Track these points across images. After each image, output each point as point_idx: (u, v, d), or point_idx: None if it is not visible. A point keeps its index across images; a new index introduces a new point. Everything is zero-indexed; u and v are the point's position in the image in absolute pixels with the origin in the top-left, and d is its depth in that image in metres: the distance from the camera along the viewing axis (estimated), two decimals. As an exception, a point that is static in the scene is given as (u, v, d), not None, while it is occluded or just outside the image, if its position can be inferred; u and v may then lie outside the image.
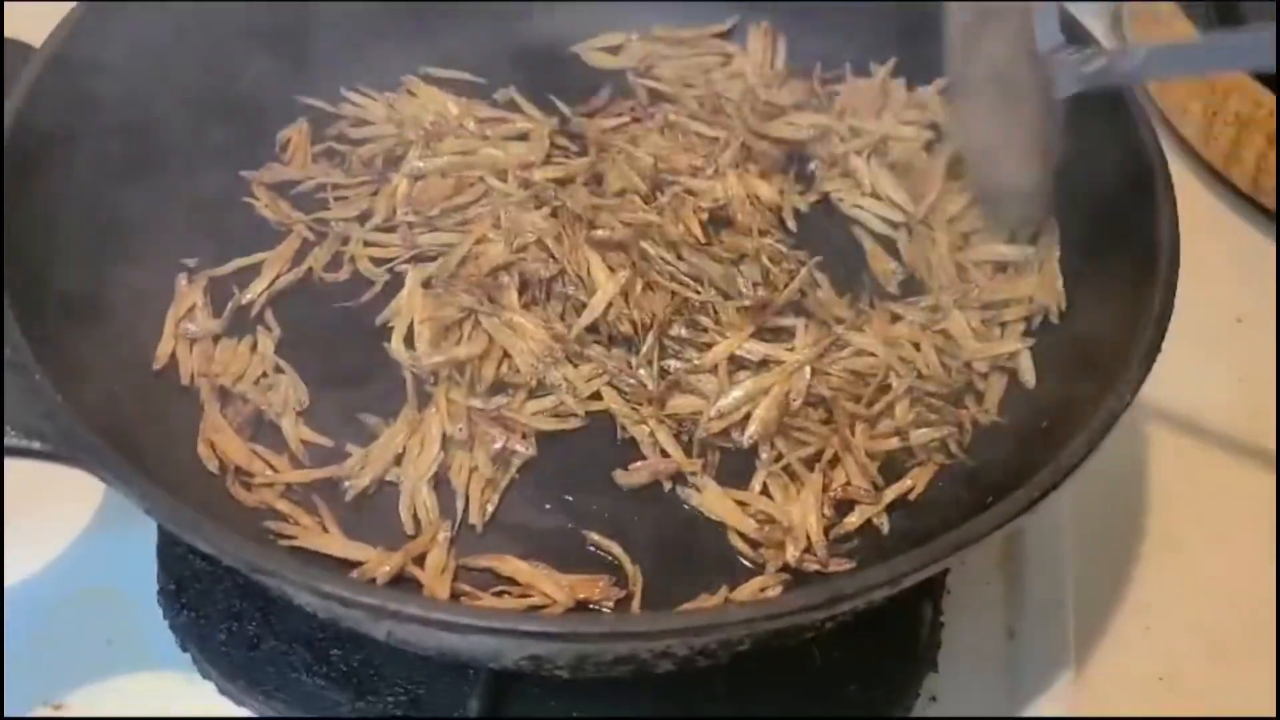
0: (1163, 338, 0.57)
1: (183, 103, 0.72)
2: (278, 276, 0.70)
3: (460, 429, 0.62)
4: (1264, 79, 0.84)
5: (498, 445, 0.62)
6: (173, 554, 0.65)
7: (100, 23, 0.68)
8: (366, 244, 0.72)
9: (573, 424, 0.64)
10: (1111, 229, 0.66)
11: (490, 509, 0.61)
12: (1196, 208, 0.89)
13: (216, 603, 0.64)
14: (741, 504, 0.62)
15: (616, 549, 0.59)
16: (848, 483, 0.62)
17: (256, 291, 0.70)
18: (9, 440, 0.51)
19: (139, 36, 0.69)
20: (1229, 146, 0.87)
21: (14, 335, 0.53)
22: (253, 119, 0.76)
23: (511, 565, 0.59)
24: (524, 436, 0.63)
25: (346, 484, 0.62)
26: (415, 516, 0.61)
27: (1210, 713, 0.66)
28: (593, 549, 0.60)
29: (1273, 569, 0.71)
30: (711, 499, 0.62)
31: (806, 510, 0.60)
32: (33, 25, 0.70)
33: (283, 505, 0.60)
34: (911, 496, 0.62)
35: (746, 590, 0.58)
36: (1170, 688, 0.67)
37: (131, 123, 0.69)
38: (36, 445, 0.51)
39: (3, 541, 0.66)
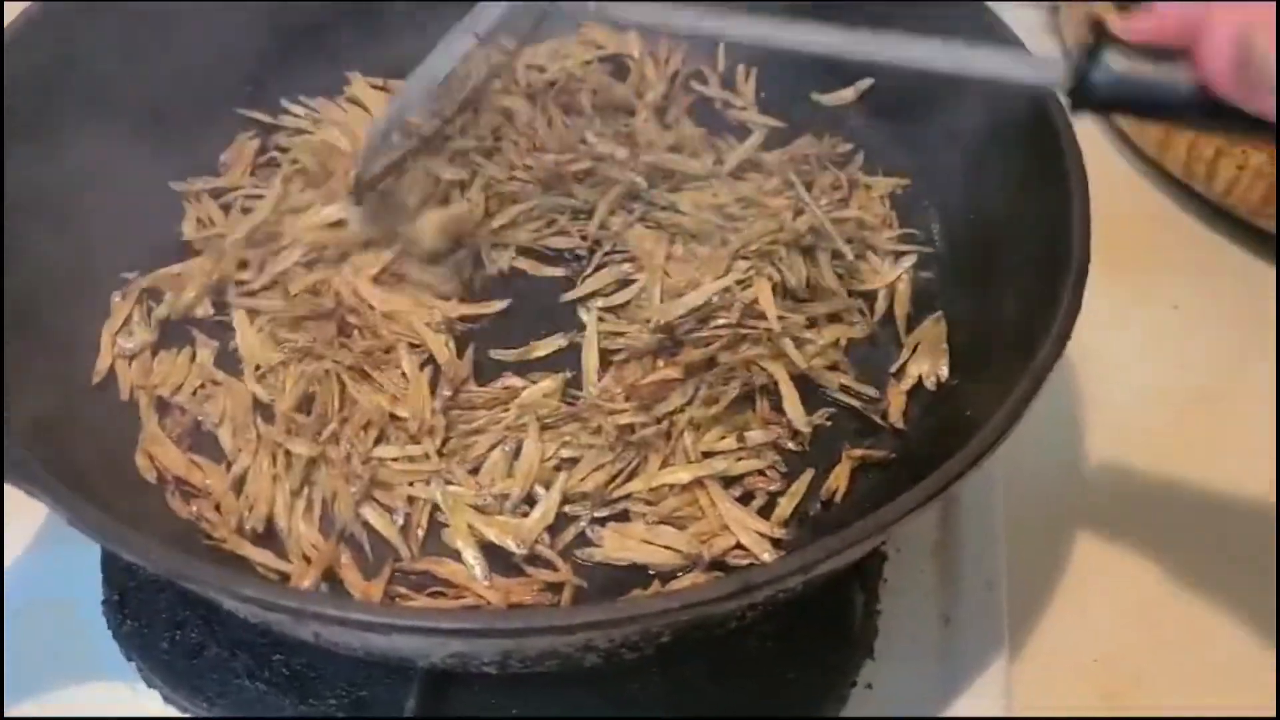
0: (1078, 305, 0.57)
1: (137, 108, 0.73)
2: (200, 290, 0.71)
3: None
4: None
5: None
6: (116, 565, 0.66)
7: (58, 18, 0.69)
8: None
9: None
10: (1030, 223, 0.66)
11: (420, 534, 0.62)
12: (1131, 196, 0.91)
13: (160, 612, 0.65)
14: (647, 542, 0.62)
15: (551, 553, 0.61)
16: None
17: (174, 305, 0.70)
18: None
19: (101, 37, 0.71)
20: (1162, 134, 0.88)
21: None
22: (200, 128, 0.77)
23: (448, 568, 0.60)
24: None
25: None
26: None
27: (1143, 695, 0.67)
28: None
29: (1202, 553, 0.72)
30: (613, 546, 0.62)
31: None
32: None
33: (213, 515, 0.61)
34: (836, 497, 0.64)
35: (676, 585, 0.59)
36: (1104, 669, 0.68)
37: (81, 127, 0.69)
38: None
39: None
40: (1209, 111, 0.46)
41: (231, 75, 0.79)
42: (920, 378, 0.68)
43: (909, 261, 0.74)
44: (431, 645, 0.48)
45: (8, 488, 0.53)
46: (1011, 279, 0.66)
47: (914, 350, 0.70)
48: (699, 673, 0.62)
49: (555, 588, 0.59)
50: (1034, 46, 0.70)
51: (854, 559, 0.54)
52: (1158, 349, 0.82)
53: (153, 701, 0.64)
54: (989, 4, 0.73)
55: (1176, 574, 0.71)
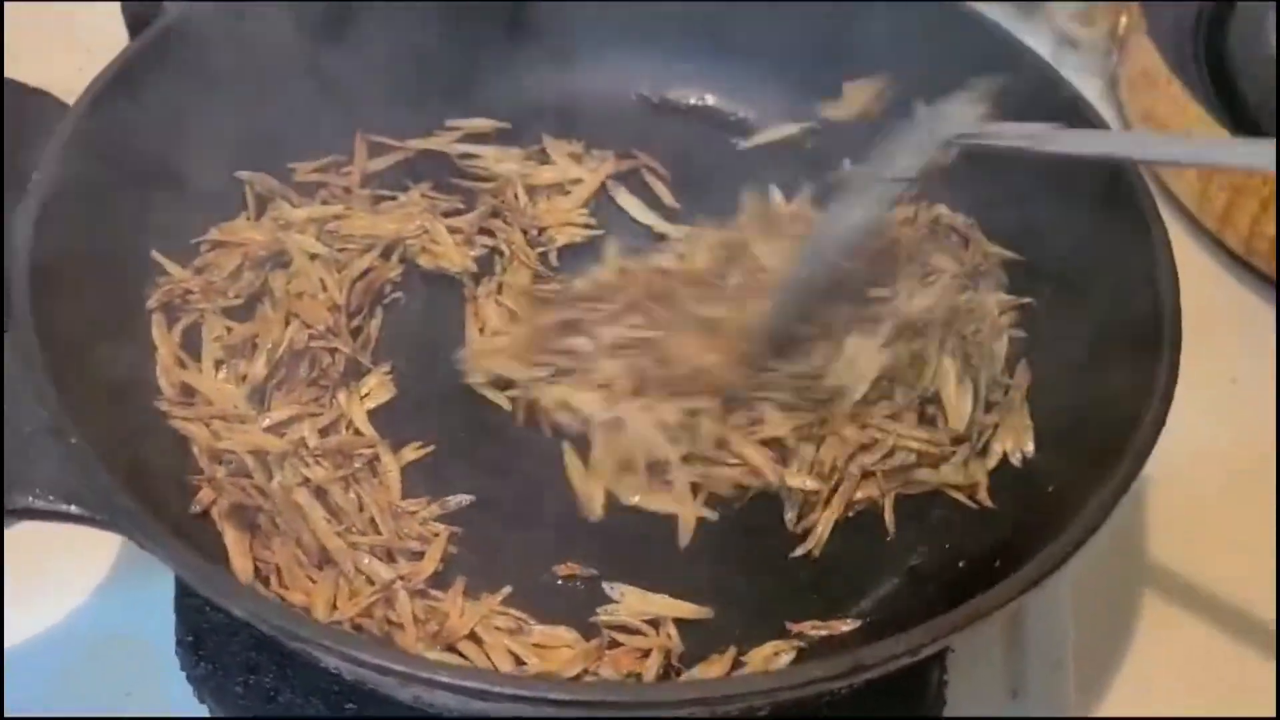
0: (1168, 408, 0.58)
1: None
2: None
3: None
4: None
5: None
6: (190, 606, 0.66)
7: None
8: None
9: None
10: (1112, 297, 0.67)
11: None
12: (1192, 270, 0.91)
13: (234, 655, 0.64)
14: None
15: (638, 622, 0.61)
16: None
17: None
18: (42, 504, 0.52)
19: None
20: (1223, 210, 0.89)
21: (50, 400, 0.54)
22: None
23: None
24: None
25: None
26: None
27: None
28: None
29: (1269, 627, 0.72)
30: (634, 603, 0.62)
31: None
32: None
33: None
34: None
35: (758, 655, 0.60)
36: (1170, 743, 0.68)
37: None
38: (73, 509, 0.51)
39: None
40: None
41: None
42: (1005, 454, 0.68)
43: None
44: (540, 712, 0.48)
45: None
46: (1096, 358, 0.67)
47: (996, 426, 0.70)
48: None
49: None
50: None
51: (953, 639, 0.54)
52: (1216, 421, 0.83)
53: (224, 745, 0.64)
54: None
55: (1241, 648, 0.72)
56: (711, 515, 0.65)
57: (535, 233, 0.78)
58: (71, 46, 0.85)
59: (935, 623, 0.48)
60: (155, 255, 0.71)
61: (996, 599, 0.49)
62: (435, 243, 0.76)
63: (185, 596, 0.66)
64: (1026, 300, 0.74)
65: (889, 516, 0.67)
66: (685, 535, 0.65)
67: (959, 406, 0.69)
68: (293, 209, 0.76)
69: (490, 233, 0.78)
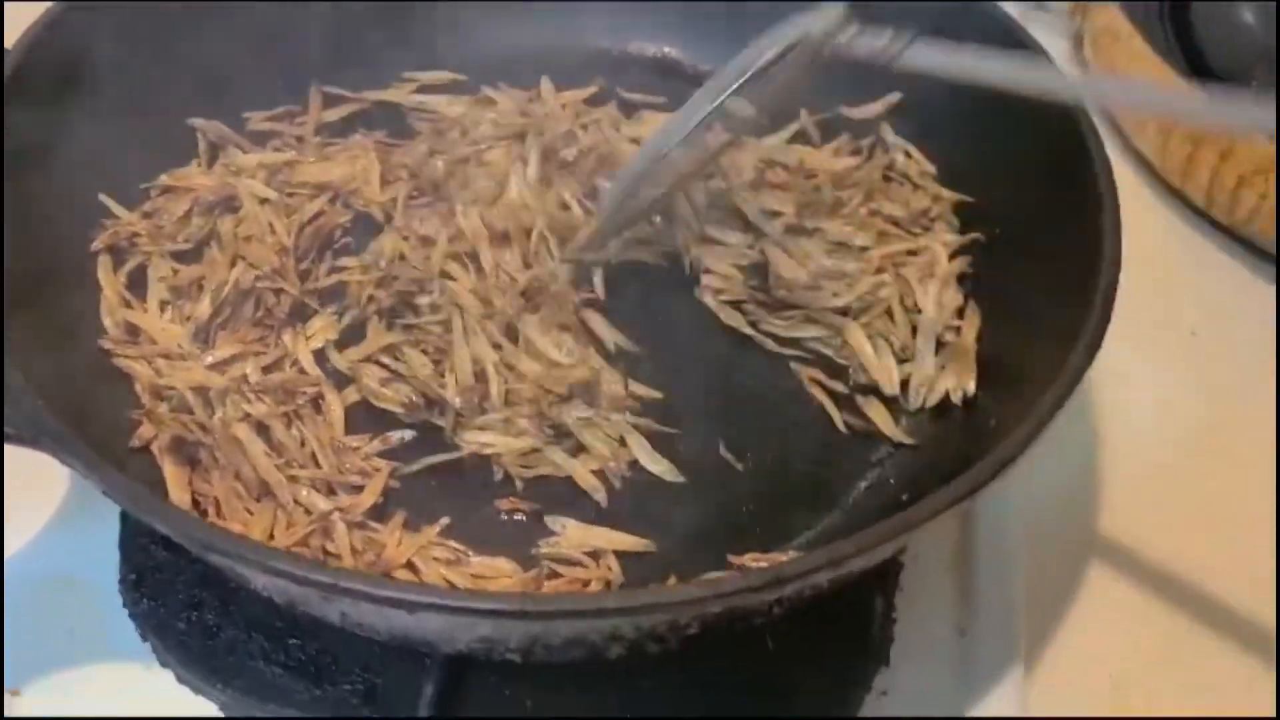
0: (1104, 327, 0.58)
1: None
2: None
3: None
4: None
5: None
6: (134, 545, 0.66)
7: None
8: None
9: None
10: (1057, 236, 0.67)
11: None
12: (1153, 223, 0.91)
13: (177, 592, 0.64)
14: None
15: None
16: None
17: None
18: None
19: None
20: (1184, 163, 0.89)
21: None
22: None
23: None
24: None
25: None
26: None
27: (1156, 711, 0.67)
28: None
29: (1219, 574, 0.72)
30: (576, 537, 0.62)
31: None
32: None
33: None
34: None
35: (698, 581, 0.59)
36: (1118, 686, 0.68)
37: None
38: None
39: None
40: None
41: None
42: (948, 392, 0.68)
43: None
44: (461, 627, 0.48)
45: (26, 463, 0.53)
46: (1037, 296, 0.67)
47: (942, 365, 0.70)
48: (714, 674, 0.62)
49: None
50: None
51: (884, 556, 0.54)
52: (1175, 373, 0.83)
53: (167, 682, 0.63)
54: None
55: (1191, 591, 0.72)
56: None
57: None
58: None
59: (857, 536, 0.48)
60: (102, 198, 0.71)
61: (917, 516, 0.49)
62: (365, 183, 0.76)
63: (129, 536, 0.66)
64: (974, 236, 0.74)
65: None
66: (596, 494, 0.65)
67: (881, 367, 0.70)
68: (244, 155, 0.76)
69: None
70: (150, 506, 0.48)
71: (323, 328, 0.70)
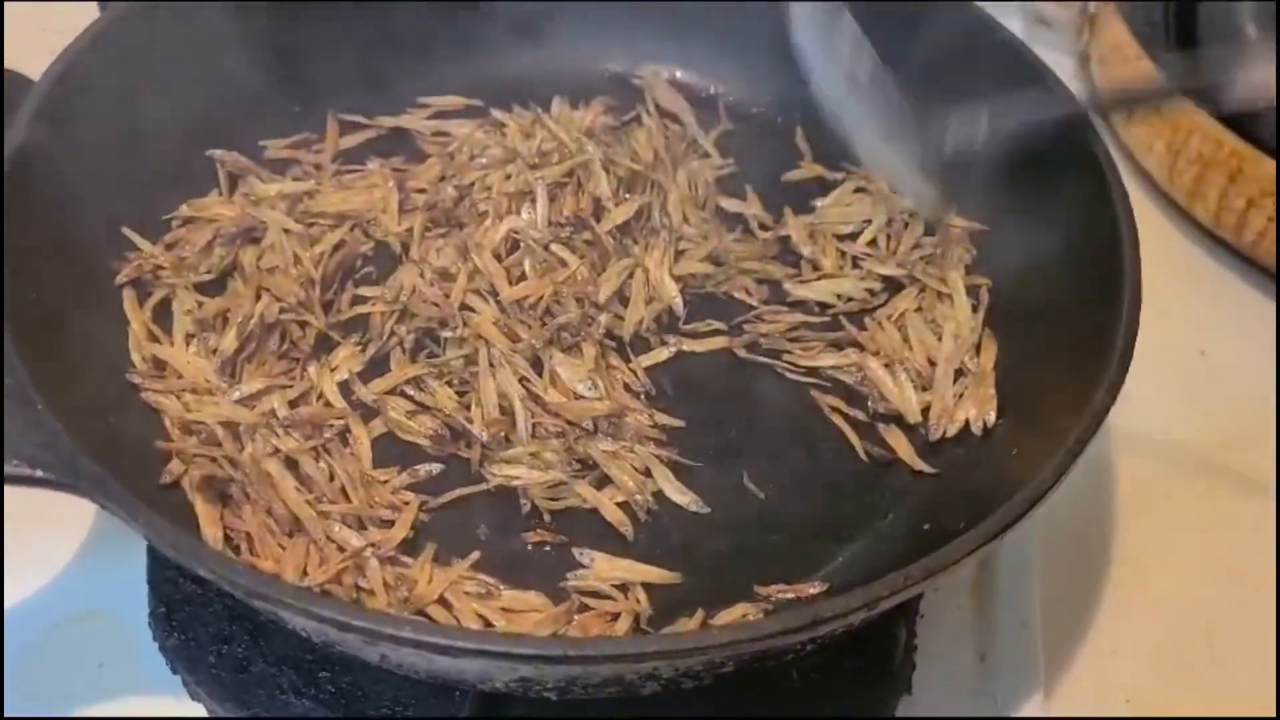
0: (1127, 368, 0.59)
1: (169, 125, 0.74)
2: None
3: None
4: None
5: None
6: (163, 578, 0.66)
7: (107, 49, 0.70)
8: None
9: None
10: (1075, 266, 0.68)
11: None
12: (1161, 243, 0.92)
13: (206, 626, 0.65)
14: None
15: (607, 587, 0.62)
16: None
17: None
18: (9, 469, 0.52)
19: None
20: (1192, 184, 0.90)
21: (14, 364, 0.54)
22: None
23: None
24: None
25: None
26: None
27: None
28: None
29: (1232, 596, 0.73)
30: (603, 569, 0.63)
31: None
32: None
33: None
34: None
35: (727, 615, 0.60)
36: (1136, 709, 0.69)
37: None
38: (39, 474, 0.52)
39: (-1, 565, 0.67)
40: None
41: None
42: (968, 421, 0.69)
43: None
44: (502, 670, 0.49)
45: (54, 498, 0.53)
46: (1058, 328, 0.68)
47: (961, 394, 0.70)
48: (741, 703, 0.63)
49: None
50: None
51: (916, 593, 0.55)
52: (1185, 394, 0.83)
53: (197, 715, 0.64)
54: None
55: (1206, 617, 0.73)
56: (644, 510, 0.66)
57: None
58: (45, 27, 0.85)
59: (891, 577, 0.49)
60: (126, 231, 0.71)
61: (949, 556, 0.50)
62: (383, 211, 0.76)
63: (157, 569, 0.67)
64: (983, 282, 0.75)
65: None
66: (624, 528, 0.65)
67: (903, 397, 0.71)
68: (264, 185, 0.77)
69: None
70: (193, 552, 0.49)
71: (346, 359, 0.70)
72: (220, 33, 0.76)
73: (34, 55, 0.74)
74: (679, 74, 0.88)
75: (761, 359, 0.73)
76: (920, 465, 0.68)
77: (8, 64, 0.81)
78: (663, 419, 0.69)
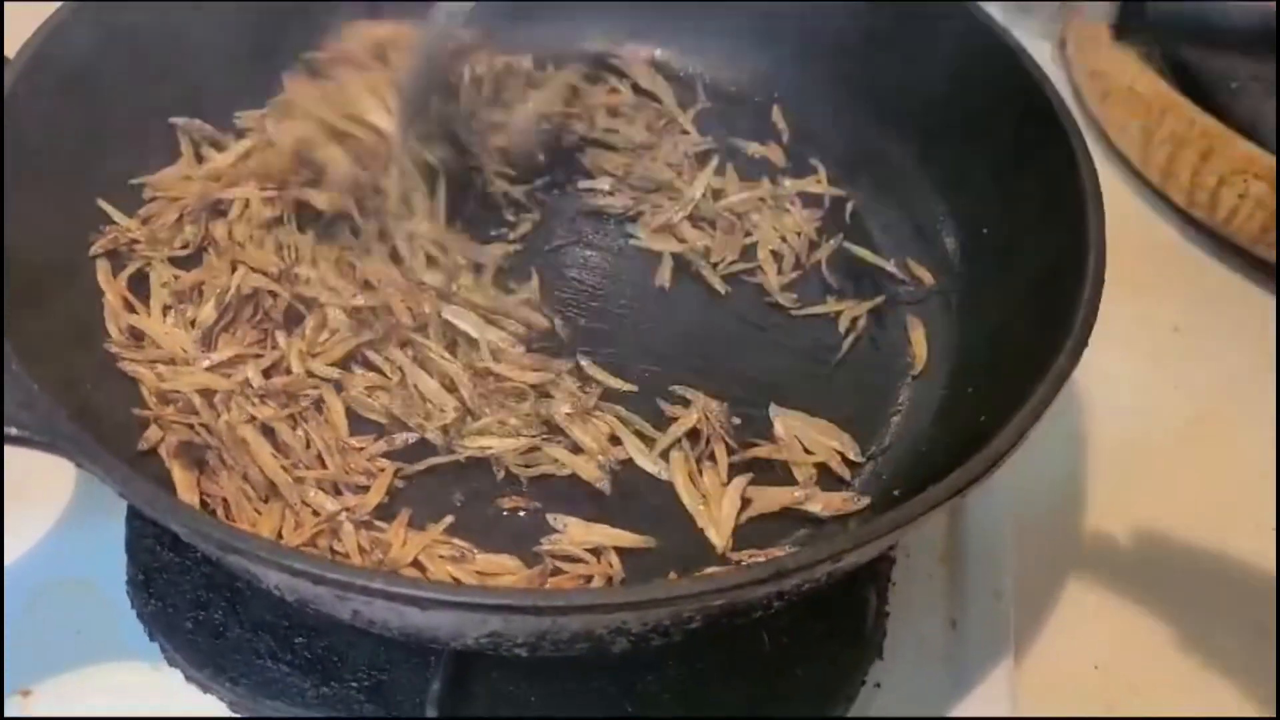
0: (1089, 331, 0.60)
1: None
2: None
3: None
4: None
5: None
6: (141, 546, 0.67)
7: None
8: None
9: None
10: (1043, 229, 0.69)
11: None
12: (1135, 222, 0.93)
13: (184, 593, 0.66)
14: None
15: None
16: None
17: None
18: (-13, 428, 0.53)
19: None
20: (1165, 163, 0.91)
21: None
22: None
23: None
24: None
25: None
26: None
27: (1142, 702, 0.69)
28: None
29: (1201, 566, 0.74)
30: (577, 534, 0.64)
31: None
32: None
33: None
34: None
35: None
36: (1104, 676, 0.70)
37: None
38: (14, 432, 0.52)
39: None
40: None
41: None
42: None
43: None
44: (471, 623, 0.49)
45: (34, 466, 0.53)
46: (1025, 293, 0.68)
47: None
48: (713, 668, 0.64)
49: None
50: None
51: (881, 549, 0.56)
52: (1158, 370, 0.84)
53: (174, 681, 0.64)
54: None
55: (1177, 584, 0.73)
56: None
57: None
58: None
59: (855, 531, 0.49)
60: (101, 203, 0.72)
61: (913, 510, 0.51)
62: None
63: (136, 538, 0.67)
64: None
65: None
66: (601, 484, 0.66)
67: None
68: (220, 154, 0.77)
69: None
70: (168, 509, 0.49)
71: (313, 329, 0.70)
72: (196, 12, 0.76)
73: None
74: (658, 53, 0.89)
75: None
76: None
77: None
78: (602, 376, 0.70)
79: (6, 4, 0.88)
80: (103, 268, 0.70)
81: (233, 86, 0.80)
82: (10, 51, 0.69)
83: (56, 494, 0.71)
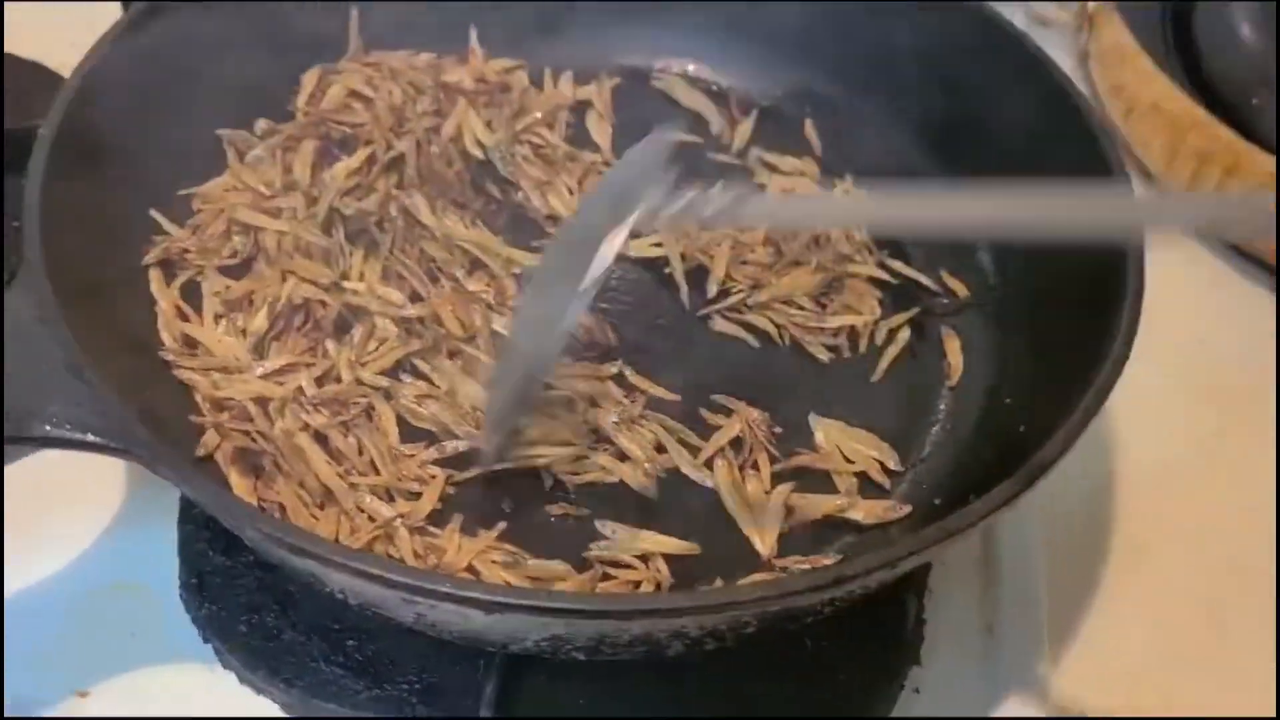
0: (1131, 343, 0.61)
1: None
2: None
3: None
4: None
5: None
6: (194, 550, 0.68)
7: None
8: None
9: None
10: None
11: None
12: (1159, 237, 0.95)
13: (237, 596, 0.67)
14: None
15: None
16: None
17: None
18: (60, 433, 0.54)
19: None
20: (1189, 179, 0.92)
21: (62, 333, 0.56)
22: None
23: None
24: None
25: None
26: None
27: (1174, 705, 0.70)
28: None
29: (1231, 578, 0.75)
30: (626, 541, 0.65)
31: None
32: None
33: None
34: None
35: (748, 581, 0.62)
36: (1138, 681, 0.71)
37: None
38: (90, 438, 0.54)
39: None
40: None
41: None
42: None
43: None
44: (536, 627, 0.51)
45: (88, 468, 0.54)
46: (1061, 305, 0.70)
47: None
48: (756, 670, 0.65)
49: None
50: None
51: (931, 558, 0.57)
52: (1184, 380, 0.86)
53: (229, 683, 0.66)
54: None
55: (1205, 593, 0.75)
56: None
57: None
58: (68, 22, 0.87)
59: (911, 539, 0.51)
60: (153, 214, 0.73)
61: (964, 520, 0.52)
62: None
63: (189, 542, 0.68)
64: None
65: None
66: (648, 491, 0.67)
67: None
68: (251, 172, 0.78)
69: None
70: (245, 515, 0.51)
71: (363, 338, 0.72)
72: (246, 20, 0.78)
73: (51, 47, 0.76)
74: (691, 68, 0.91)
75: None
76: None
77: (29, 55, 0.84)
78: (648, 386, 0.71)
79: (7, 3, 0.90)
80: (156, 277, 0.71)
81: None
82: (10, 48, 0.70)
83: (109, 497, 0.72)
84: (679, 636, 0.53)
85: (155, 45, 0.73)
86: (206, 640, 0.67)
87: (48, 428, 0.54)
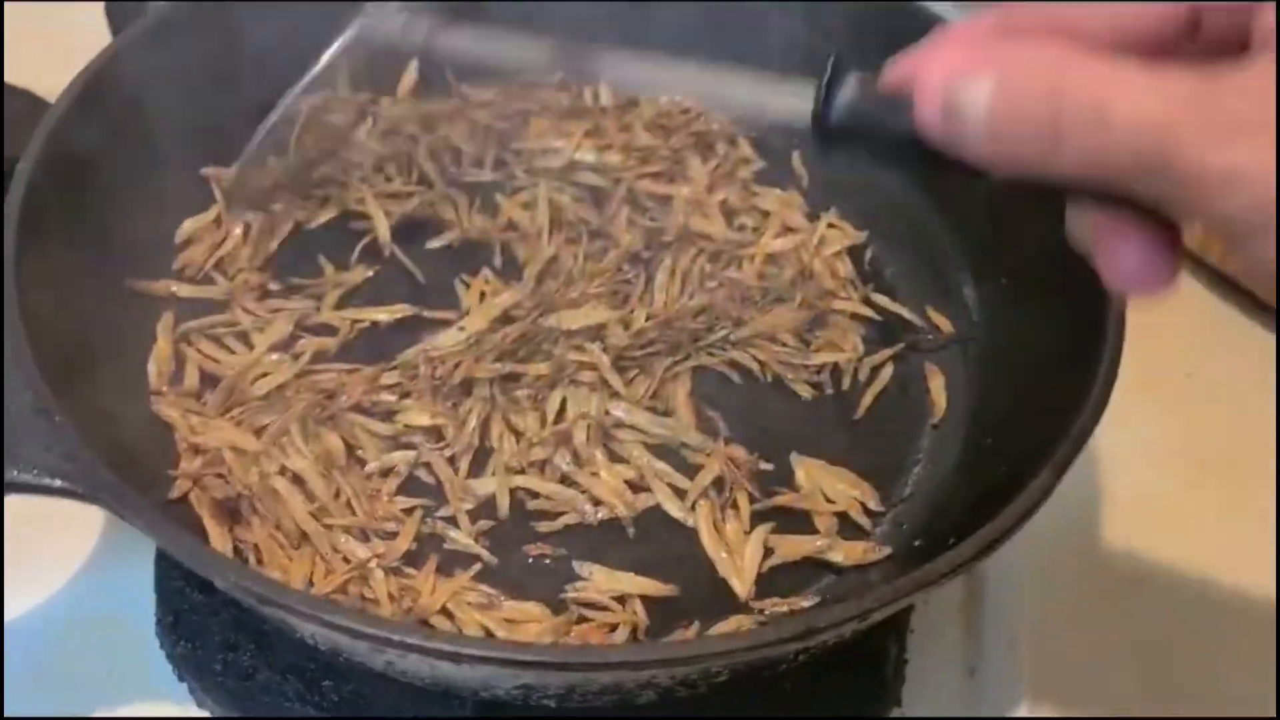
0: (1111, 386, 0.61)
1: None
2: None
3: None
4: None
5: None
6: (170, 587, 0.68)
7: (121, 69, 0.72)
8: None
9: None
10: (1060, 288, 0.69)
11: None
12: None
13: (213, 635, 0.66)
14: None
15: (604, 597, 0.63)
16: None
17: None
18: (28, 478, 0.54)
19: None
20: (1178, 211, 0.92)
21: (35, 379, 0.56)
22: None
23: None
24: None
25: None
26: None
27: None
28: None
29: (1219, 619, 0.75)
30: (603, 582, 0.64)
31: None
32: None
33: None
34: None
35: (723, 627, 0.62)
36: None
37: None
38: (58, 484, 0.53)
39: (3, 574, 0.69)
40: (928, 156, 0.44)
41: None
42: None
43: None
44: (504, 676, 0.50)
45: (63, 506, 0.54)
46: (1044, 345, 0.69)
47: None
48: (733, 714, 0.64)
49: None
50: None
51: (906, 604, 0.57)
52: (1171, 414, 0.85)
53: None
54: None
55: (1189, 636, 0.74)
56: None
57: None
58: (53, 47, 0.87)
59: (882, 589, 0.50)
60: (128, 283, 0.73)
61: (938, 569, 0.51)
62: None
63: (165, 579, 0.68)
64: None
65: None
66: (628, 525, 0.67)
67: None
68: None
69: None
70: (212, 564, 0.50)
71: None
72: (236, 52, 0.78)
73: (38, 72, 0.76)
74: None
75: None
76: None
77: (18, 82, 0.84)
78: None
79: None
80: (165, 320, 0.72)
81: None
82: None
83: (86, 531, 0.72)
84: (650, 686, 0.52)
85: (143, 78, 0.73)
86: (182, 678, 0.66)
87: (15, 472, 0.53)
